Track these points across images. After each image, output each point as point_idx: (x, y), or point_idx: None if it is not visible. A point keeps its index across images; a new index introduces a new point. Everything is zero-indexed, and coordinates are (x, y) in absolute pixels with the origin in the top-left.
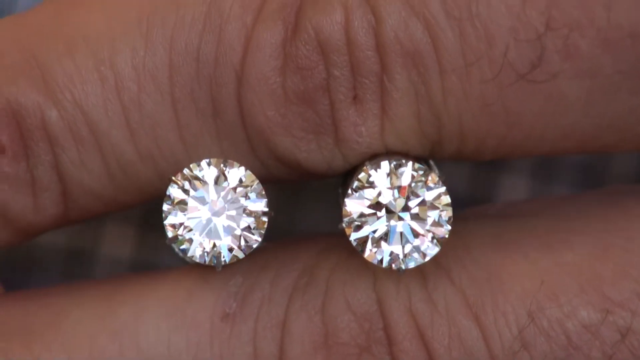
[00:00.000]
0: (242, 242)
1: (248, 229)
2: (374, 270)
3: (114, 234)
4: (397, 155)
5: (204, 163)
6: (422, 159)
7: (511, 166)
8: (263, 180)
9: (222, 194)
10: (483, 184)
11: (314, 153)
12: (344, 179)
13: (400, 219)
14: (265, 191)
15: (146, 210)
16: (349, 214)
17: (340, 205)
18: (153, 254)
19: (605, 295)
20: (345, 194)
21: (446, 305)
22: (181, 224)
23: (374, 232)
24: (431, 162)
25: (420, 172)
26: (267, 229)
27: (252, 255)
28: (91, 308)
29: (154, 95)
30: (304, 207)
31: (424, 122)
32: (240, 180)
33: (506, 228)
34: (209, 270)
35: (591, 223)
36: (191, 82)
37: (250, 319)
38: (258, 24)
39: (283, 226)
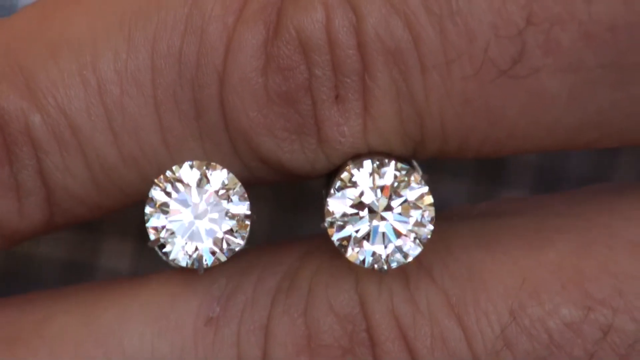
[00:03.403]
0: (225, 245)
1: (230, 232)
2: (357, 271)
3: (112, 248)
4: (380, 155)
5: (186, 165)
6: (404, 159)
7: (511, 181)
8: (247, 183)
9: (205, 196)
10: (482, 200)
11: (296, 153)
12: (327, 179)
13: (383, 218)
14: (263, 189)
15: (143, 224)
16: (332, 214)
17: (323, 206)
18: (151, 268)
19: (587, 293)
20: (327, 194)
21: (428, 305)
22: (163, 227)
23: (357, 232)
24: (414, 163)
25: (403, 172)
26: (263, 228)
27: (235, 258)
28: (76, 314)
29: (137, 98)
30: (306, 210)
31: (406, 120)
32: (223, 183)
33: (488, 227)
34: (192, 274)
35: (573, 220)
36: (174, 84)
37: (234, 322)
38: (239, 25)
39: (284, 229)
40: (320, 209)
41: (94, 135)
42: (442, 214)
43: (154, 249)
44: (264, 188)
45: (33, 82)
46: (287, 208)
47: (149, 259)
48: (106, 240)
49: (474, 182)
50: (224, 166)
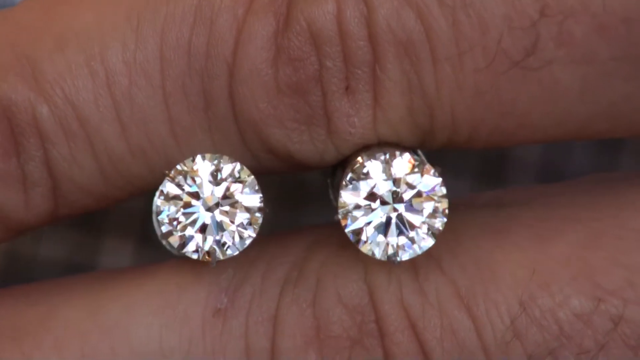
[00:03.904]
0: (236, 238)
1: (242, 224)
2: (365, 262)
3: (113, 248)
4: (390, 146)
5: (198, 158)
6: (412, 149)
7: (513, 179)
8: (254, 173)
9: (216, 189)
10: None
11: (306, 144)
12: (333, 169)
13: (395, 210)
14: (266, 185)
15: (145, 224)
16: (344, 205)
17: (329, 195)
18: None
19: (597, 284)
20: (338, 185)
21: (437, 296)
22: (175, 220)
23: (369, 223)
24: (419, 153)
25: (416, 163)
26: (265, 224)
27: (244, 249)
28: (81, 305)
29: (146, 90)
30: (309, 201)
31: (417, 112)
32: (235, 176)
33: (497, 217)
34: (200, 264)
35: (582, 211)
36: (182, 75)
37: (242, 313)
38: (249, 16)
39: (287, 221)
40: (321, 204)
41: (101, 126)
42: (449, 203)
43: (155, 247)
44: (266, 182)
45: (40, 73)
46: (290, 198)
47: (150, 258)
48: (107, 239)
49: (477, 181)
50: (232, 157)
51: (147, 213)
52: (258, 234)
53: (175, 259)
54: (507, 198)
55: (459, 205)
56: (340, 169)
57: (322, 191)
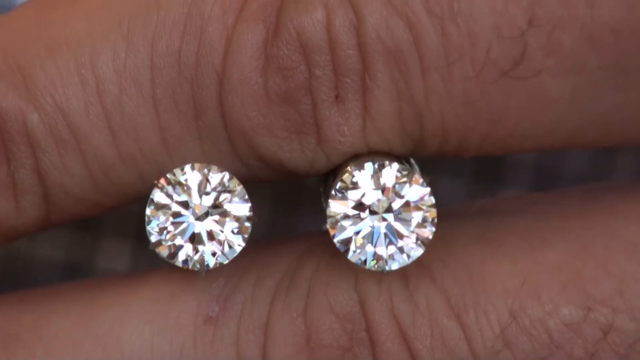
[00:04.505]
0: (226, 247)
1: (232, 233)
2: (356, 271)
3: (111, 249)
4: (380, 155)
5: (187, 167)
6: (403, 158)
7: (509, 180)
8: (245, 181)
9: (205, 198)
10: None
11: (296, 153)
12: (325, 177)
13: (384, 220)
14: (262, 189)
15: (142, 225)
16: (333, 215)
17: (322, 204)
18: (150, 268)
19: (587, 293)
20: (328, 194)
21: (428, 305)
22: (164, 229)
23: (358, 233)
24: (412, 161)
25: (404, 173)
26: (261, 228)
27: (235, 257)
28: (74, 313)
29: (136, 98)
30: (306, 204)
31: (406, 120)
32: (224, 185)
33: (488, 226)
34: (192, 272)
35: (573, 220)
36: (173, 84)
37: (233, 321)
38: (239, 25)
39: (284, 224)
40: (317, 207)
41: (92, 134)
42: (440, 211)
43: (153, 250)
44: (262, 186)
45: (31, 80)
46: (285, 206)
47: (148, 260)
48: (105, 240)
49: (472, 182)
50: (222, 165)
51: (143, 215)
52: (248, 242)
53: (168, 265)
54: (498, 206)
55: (451, 215)
56: (331, 177)
57: (318, 195)
